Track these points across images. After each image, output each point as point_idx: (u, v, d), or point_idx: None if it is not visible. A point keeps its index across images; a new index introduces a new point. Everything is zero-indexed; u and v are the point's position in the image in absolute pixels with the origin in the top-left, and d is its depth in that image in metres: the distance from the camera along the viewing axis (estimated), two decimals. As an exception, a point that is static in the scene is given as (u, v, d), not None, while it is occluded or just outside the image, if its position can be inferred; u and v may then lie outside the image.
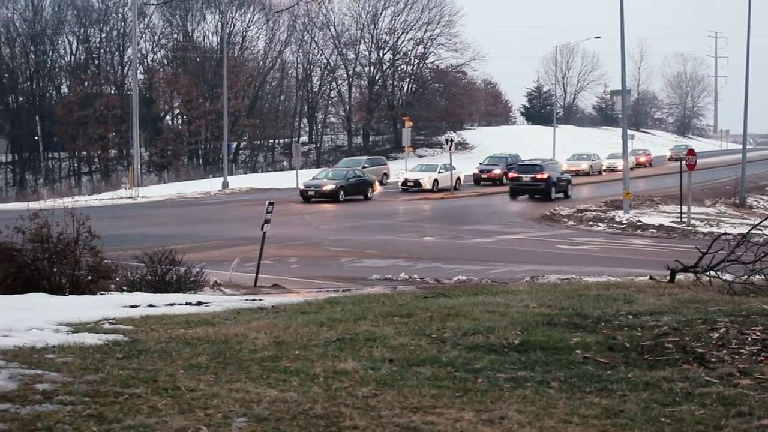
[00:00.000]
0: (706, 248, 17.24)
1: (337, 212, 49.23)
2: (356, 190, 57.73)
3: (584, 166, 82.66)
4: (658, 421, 7.25)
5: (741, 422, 7.24)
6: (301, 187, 57.09)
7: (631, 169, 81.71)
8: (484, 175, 71.29)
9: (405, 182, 64.83)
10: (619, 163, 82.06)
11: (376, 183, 61.77)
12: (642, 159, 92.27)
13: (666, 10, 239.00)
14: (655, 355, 9.65)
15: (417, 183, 64.05)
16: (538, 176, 58.68)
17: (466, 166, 75.79)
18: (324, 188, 55.64)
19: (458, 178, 66.85)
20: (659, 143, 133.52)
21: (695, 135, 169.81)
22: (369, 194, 58.56)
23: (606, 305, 12.90)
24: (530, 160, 64.63)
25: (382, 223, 43.14)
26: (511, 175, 62.49)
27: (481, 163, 74.17)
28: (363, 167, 66.29)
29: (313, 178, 59.76)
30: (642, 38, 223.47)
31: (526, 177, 59.21)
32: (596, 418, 7.27)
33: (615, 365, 9.20)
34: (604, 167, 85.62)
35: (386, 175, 72.14)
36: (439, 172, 65.50)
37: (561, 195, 59.40)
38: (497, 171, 71.13)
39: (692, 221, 42.79)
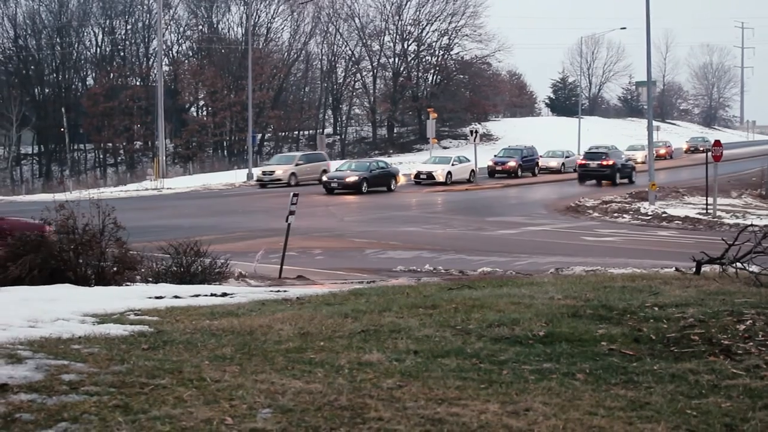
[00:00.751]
0: (733, 240, 17.17)
1: (361, 204, 49.23)
2: (379, 181, 57.64)
3: None
4: (684, 413, 7.22)
5: (767, 415, 7.21)
6: (324, 179, 57.10)
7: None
8: (498, 168, 69.62)
9: (417, 175, 63.99)
10: (639, 155, 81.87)
11: (400, 174, 61.56)
12: (662, 151, 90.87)
13: (692, 1, 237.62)
14: (681, 347, 9.61)
15: (430, 175, 63.16)
16: (604, 163, 63.81)
17: (489, 157, 75.18)
18: (347, 180, 55.63)
19: (473, 171, 65.91)
20: (685, 134, 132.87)
21: (721, 126, 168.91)
22: (392, 186, 58.44)
23: (631, 297, 12.85)
24: (596, 148, 69.25)
25: (406, 214, 43.12)
26: (579, 162, 67.13)
27: (495, 155, 72.64)
28: (297, 164, 63.20)
29: (336, 170, 59.71)
30: (668, 29, 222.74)
31: (593, 164, 64.19)
32: (622, 410, 7.26)
33: (640, 357, 9.18)
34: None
35: (325, 172, 61.82)
36: (452, 165, 64.70)
37: (625, 180, 63.99)
38: (512, 163, 69.83)
39: (718, 213, 42.57)
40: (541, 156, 74.22)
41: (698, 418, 7.14)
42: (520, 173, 68.80)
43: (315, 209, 44.09)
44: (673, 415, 7.18)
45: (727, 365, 8.80)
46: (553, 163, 75.05)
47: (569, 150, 78.97)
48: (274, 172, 62.40)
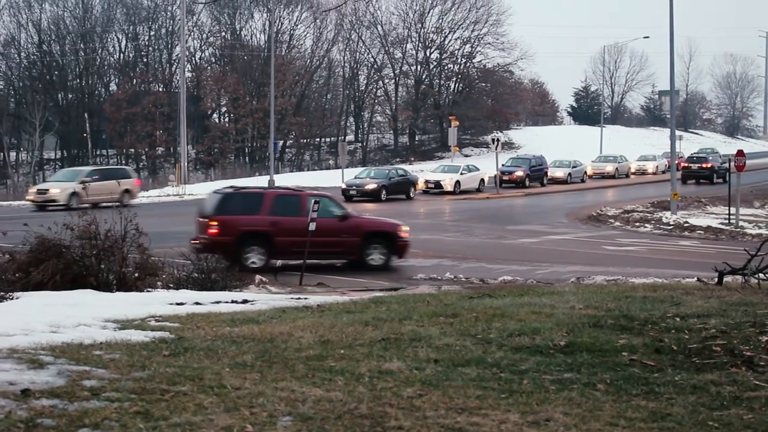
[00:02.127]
0: (755, 250, 17.09)
1: (381, 211, 49.15)
2: (398, 189, 57.39)
3: (609, 168, 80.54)
4: (705, 424, 7.20)
5: (790, 427, 7.18)
6: (343, 186, 56.84)
7: (663, 172, 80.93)
8: (505, 177, 67.21)
9: (425, 183, 63.00)
10: (649, 166, 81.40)
11: (419, 182, 61.30)
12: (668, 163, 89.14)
13: (716, 10, 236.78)
14: (702, 358, 9.58)
15: (438, 185, 62.14)
16: (704, 165, 73.20)
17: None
18: (366, 187, 55.52)
19: (482, 180, 65.11)
20: (707, 144, 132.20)
21: (744, 136, 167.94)
22: (411, 194, 58.21)
23: (653, 307, 12.81)
24: (698, 153, 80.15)
25: (426, 222, 43.08)
26: (683, 164, 73.67)
27: (503, 165, 69.57)
28: (82, 182, 49.49)
29: (355, 177, 59.54)
30: (691, 38, 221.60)
31: (695, 166, 73.79)
32: (643, 422, 7.24)
33: (662, 368, 9.15)
34: (632, 170, 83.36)
35: (129, 193, 52.03)
36: (461, 174, 63.72)
37: (721, 180, 67.06)
38: (519, 173, 68.29)
39: (741, 223, 42.36)
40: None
41: (720, 429, 7.11)
42: (527, 183, 67.74)
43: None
44: (694, 426, 7.16)
45: (749, 377, 8.76)
46: (560, 173, 73.67)
47: (576, 160, 77.88)
48: (47, 191, 49.85)
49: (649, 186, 70.44)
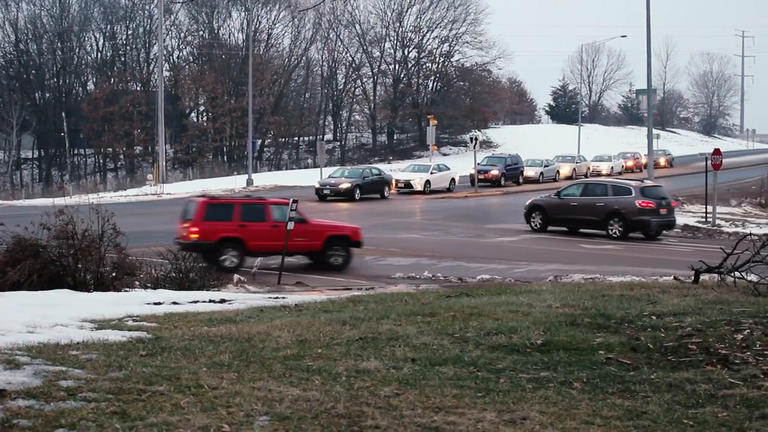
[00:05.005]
0: (731, 249, 17.18)
1: (358, 211, 49.09)
2: (373, 188, 57.06)
3: (566, 169, 77.92)
4: (680, 422, 7.24)
5: (765, 424, 7.23)
6: (317, 185, 56.44)
7: (619, 173, 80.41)
8: (480, 176, 66.01)
9: (396, 183, 62.00)
10: (604, 167, 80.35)
11: (393, 181, 60.85)
12: (630, 163, 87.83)
13: (692, 9, 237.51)
14: (678, 356, 9.63)
15: (408, 184, 61.62)
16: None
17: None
18: (340, 187, 55.09)
19: (453, 179, 64.61)
20: (685, 143, 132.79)
21: (721, 134, 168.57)
22: (386, 193, 57.84)
23: (629, 306, 12.87)
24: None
25: (404, 221, 43.10)
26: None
27: (478, 164, 67.88)
28: None
29: (329, 177, 59.09)
30: (668, 37, 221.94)
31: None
32: (619, 420, 7.27)
33: (638, 366, 9.19)
34: (590, 170, 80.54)
35: None
36: (431, 173, 63.20)
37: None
38: (495, 172, 67.91)
39: (717, 221, 42.57)
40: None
41: (695, 427, 7.15)
42: (503, 182, 67.34)
43: (314, 215, 43.97)
44: (669, 424, 7.20)
45: (724, 375, 8.81)
46: (531, 172, 72.59)
47: (548, 159, 77.28)
48: None
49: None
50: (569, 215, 38.35)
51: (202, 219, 27.13)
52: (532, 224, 38.86)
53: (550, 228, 38.25)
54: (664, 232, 38.35)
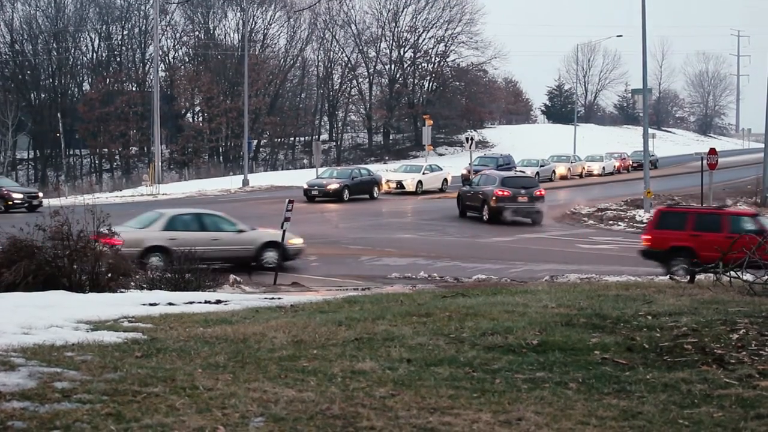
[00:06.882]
0: (727, 249, 17.19)
1: (351, 211, 49.01)
2: (362, 189, 56.27)
3: (561, 169, 77.96)
4: (676, 423, 7.24)
5: (760, 424, 7.22)
6: (305, 186, 55.70)
7: (611, 173, 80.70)
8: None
9: (387, 183, 61.45)
10: (595, 167, 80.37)
11: (384, 181, 60.46)
12: (617, 164, 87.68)
13: (688, 9, 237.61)
14: (674, 356, 9.62)
15: (400, 185, 61.10)
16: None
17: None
18: (328, 187, 54.39)
19: (445, 179, 64.26)
20: (681, 142, 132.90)
21: (717, 134, 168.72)
22: (375, 194, 57.13)
23: (625, 306, 12.87)
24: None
25: (399, 221, 43.11)
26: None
27: (470, 164, 67.63)
28: None
29: (318, 177, 58.63)
30: (664, 36, 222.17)
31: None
32: (614, 420, 7.27)
33: (633, 366, 9.19)
34: (585, 170, 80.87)
35: None
36: (423, 173, 62.87)
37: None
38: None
39: (713, 221, 42.54)
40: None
41: (690, 427, 7.15)
42: None
43: (310, 216, 44.04)
44: (665, 424, 7.19)
45: (719, 375, 8.81)
46: (527, 172, 72.30)
47: (543, 159, 77.08)
48: None
49: (618, 185, 70.25)
50: (470, 203, 44.45)
51: (654, 227, 27.81)
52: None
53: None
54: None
